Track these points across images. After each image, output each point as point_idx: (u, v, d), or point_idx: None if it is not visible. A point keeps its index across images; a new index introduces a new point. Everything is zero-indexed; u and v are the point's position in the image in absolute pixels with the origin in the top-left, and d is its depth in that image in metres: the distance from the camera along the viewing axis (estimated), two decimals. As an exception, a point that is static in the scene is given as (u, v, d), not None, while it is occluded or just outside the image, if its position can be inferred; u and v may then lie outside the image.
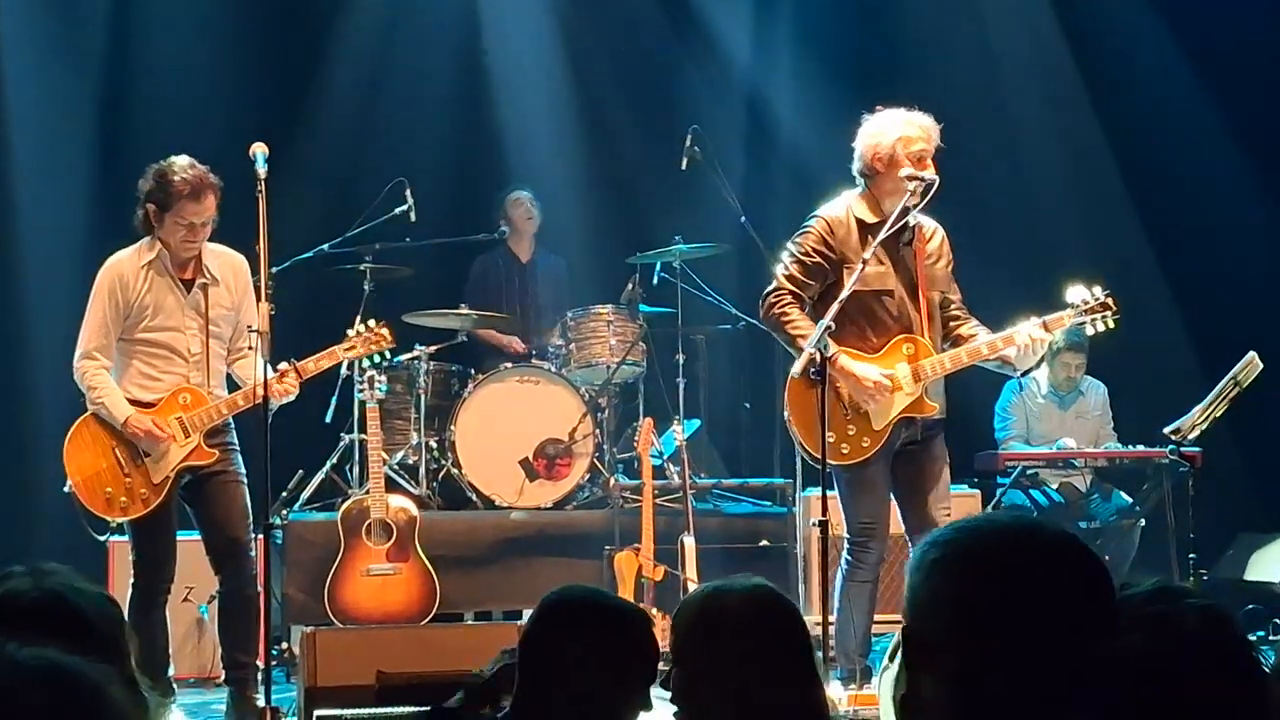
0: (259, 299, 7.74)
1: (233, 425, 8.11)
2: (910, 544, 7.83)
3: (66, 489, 7.96)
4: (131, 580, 7.90)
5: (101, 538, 8.16)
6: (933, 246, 7.86)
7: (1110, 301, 7.81)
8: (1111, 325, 7.85)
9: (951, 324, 7.87)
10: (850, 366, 7.56)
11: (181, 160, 7.89)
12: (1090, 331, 7.94)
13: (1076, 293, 7.82)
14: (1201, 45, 12.37)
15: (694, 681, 3.72)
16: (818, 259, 7.74)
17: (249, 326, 7.86)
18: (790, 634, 3.78)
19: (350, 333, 8.21)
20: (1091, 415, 11.29)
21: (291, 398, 7.89)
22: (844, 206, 7.81)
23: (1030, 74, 12.74)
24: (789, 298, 7.76)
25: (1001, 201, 12.22)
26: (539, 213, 12.03)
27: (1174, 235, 12.29)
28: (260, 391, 7.68)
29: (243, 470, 8.05)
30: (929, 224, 7.91)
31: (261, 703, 7.39)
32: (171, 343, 7.94)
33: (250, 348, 7.87)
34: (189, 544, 8.35)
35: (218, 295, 8.00)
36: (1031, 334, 7.62)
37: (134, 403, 7.90)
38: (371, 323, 8.28)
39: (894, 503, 7.92)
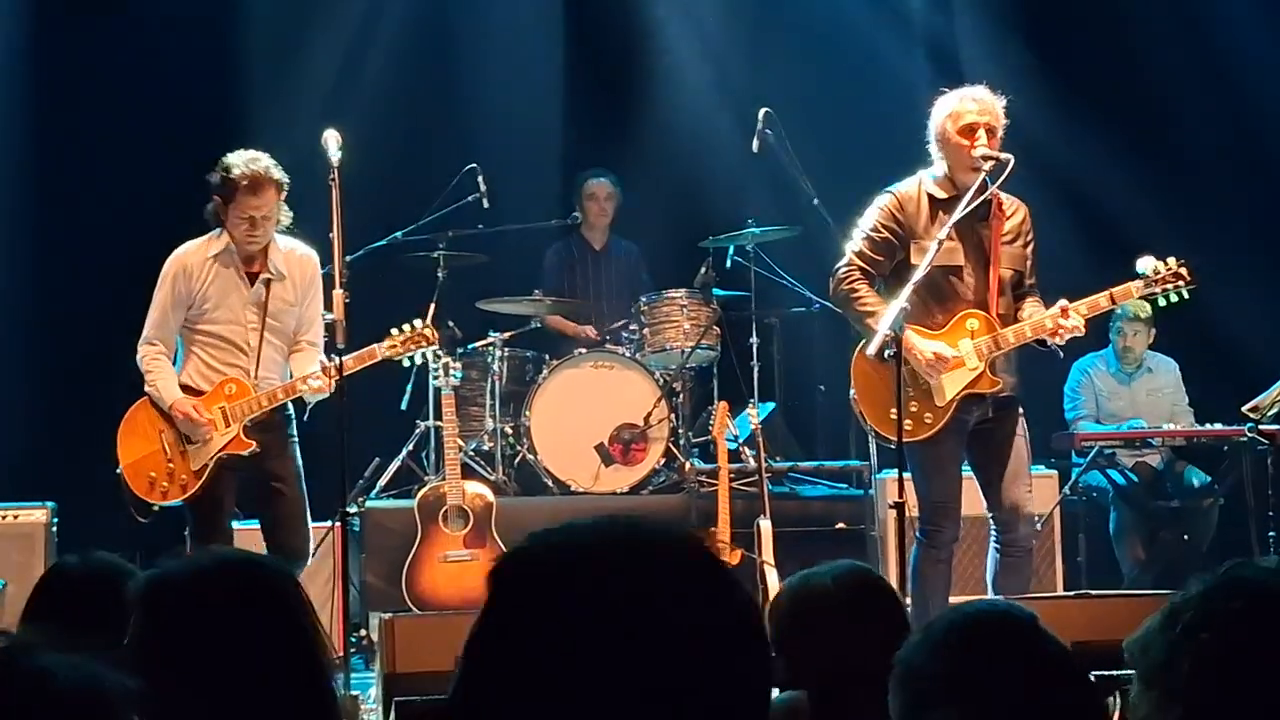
0: (334, 286, 7.78)
1: (291, 417, 8.22)
2: (992, 524, 7.78)
3: (118, 470, 8.12)
4: None
5: (144, 520, 8.22)
6: (1012, 224, 7.76)
7: (1184, 272, 7.60)
8: (1186, 296, 7.65)
9: (1018, 303, 7.77)
10: (912, 342, 7.50)
11: (245, 154, 7.99)
12: (1162, 303, 7.72)
13: (1146, 263, 7.63)
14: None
15: (794, 668, 3.77)
16: (887, 234, 7.71)
17: (323, 314, 7.92)
18: (883, 611, 3.81)
19: (394, 331, 8.19)
20: (1164, 392, 11.21)
21: (325, 395, 7.93)
22: (916, 183, 7.77)
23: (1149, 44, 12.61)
24: (858, 274, 7.73)
25: (1076, 174, 12.11)
26: (619, 195, 12.02)
27: (1254, 204, 12.15)
28: (300, 386, 7.91)
29: (298, 466, 8.15)
30: (1011, 201, 7.81)
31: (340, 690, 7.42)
32: (231, 336, 8.08)
33: (310, 343, 8.12)
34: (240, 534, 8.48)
35: (281, 290, 8.09)
36: (1064, 323, 7.50)
37: (191, 391, 8.04)
38: (417, 323, 8.24)
39: (973, 484, 7.88)
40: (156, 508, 8.08)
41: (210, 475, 7.98)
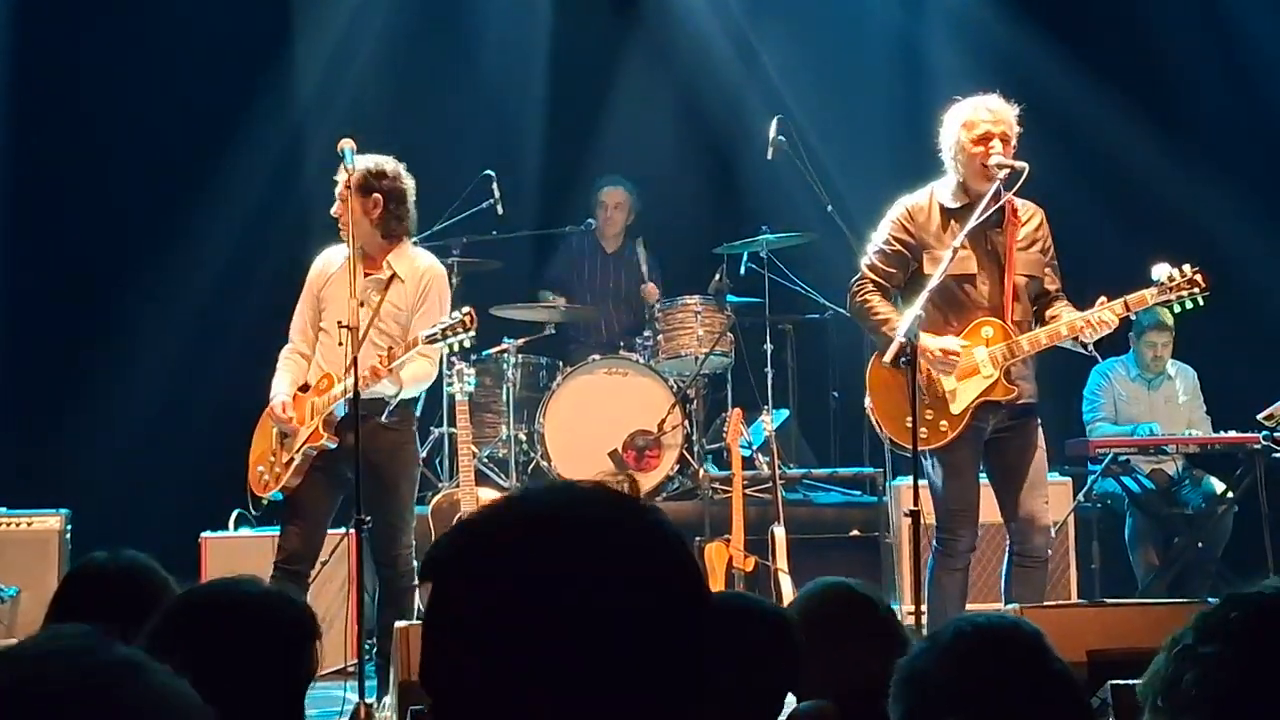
0: (351, 294, 7.63)
1: (401, 423, 8.07)
2: (1006, 532, 7.78)
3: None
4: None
5: (255, 514, 8.24)
6: (1027, 230, 7.74)
7: (1198, 278, 7.55)
8: (1200, 303, 7.61)
9: (1044, 309, 7.77)
10: (922, 342, 7.50)
11: None
12: (1177, 309, 7.73)
13: (1161, 270, 7.58)
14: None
15: (815, 679, 3.82)
16: (898, 246, 7.72)
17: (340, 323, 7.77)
18: (867, 627, 3.84)
19: (444, 319, 7.98)
20: (1181, 400, 11.19)
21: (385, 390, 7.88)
22: (927, 193, 7.78)
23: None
24: (870, 287, 7.76)
25: (1098, 172, 12.09)
26: (634, 202, 12.03)
27: (1268, 211, 12.13)
28: (342, 386, 7.83)
29: (395, 470, 8.01)
30: (1026, 207, 7.80)
31: (355, 697, 7.42)
32: (338, 335, 7.97)
33: (422, 353, 7.94)
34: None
35: (394, 293, 7.99)
36: (1103, 316, 7.50)
37: (310, 388, 8.09)
38: (465, 309, 7.96)
39: (989, 491, 7.87)
40: (265, 501, 8.14)
41: (296, 470, 7.99)
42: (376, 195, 7.96)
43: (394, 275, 8.00)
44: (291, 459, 8.00)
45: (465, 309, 7.89)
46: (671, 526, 1.88)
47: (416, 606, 8.09)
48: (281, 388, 8.12)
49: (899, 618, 3.95)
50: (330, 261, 8.20)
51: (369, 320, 7.83)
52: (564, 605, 1.76)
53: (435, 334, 7.84)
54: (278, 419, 8.04)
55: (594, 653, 1.76)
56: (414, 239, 9.93)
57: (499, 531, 1.84)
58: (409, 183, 8.14)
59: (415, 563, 8.10)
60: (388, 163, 8.08)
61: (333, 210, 8.02)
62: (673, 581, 1.84)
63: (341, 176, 7.96)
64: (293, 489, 8.03)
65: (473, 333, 8.01)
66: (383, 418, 7.95)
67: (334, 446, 7.93)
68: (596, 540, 1.82)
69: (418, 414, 10.61)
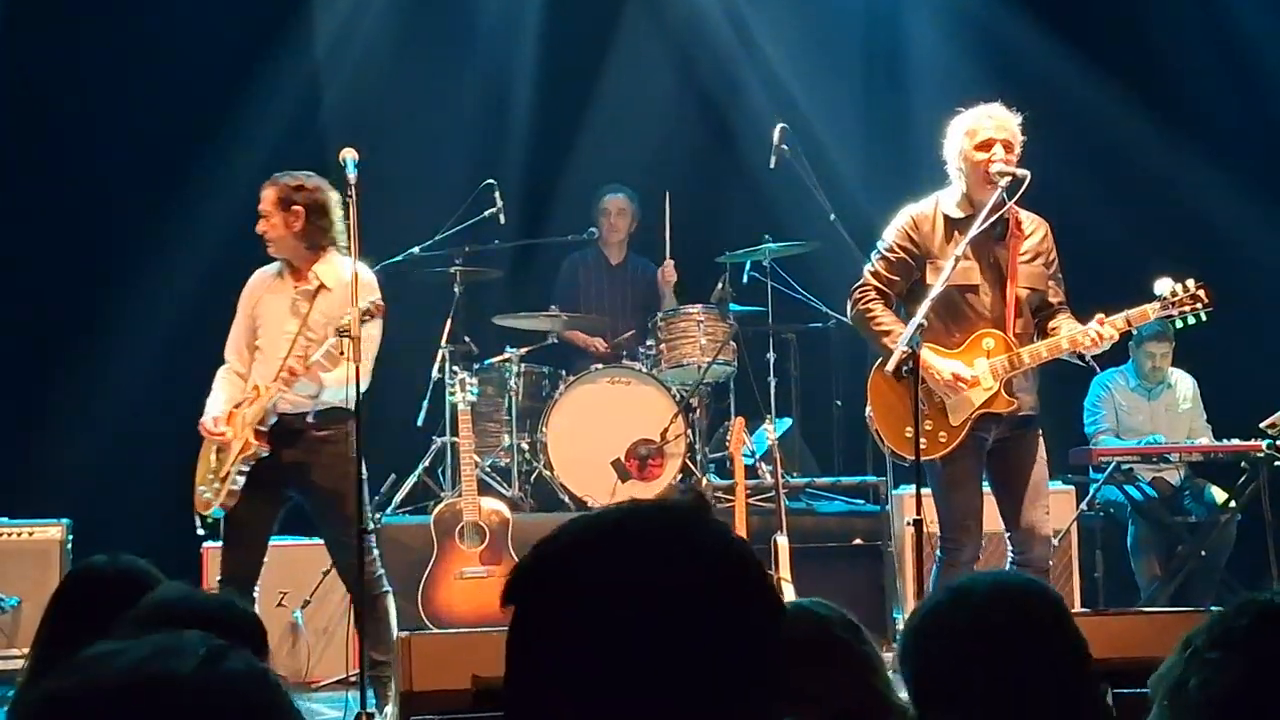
0: (351, 303, 7.64)
1: (334, 436, 7.96)
2: (1008, 542, 7.76)
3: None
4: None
5: (201, 532, 8.21)
6: (1031, 242, 7.72)
7: (1202, 294, 7.51)
8: (1204, 319, 7.57)
9: (1045, 321, 7.75)
10: (929, 360, 7.49)
11: None
12: (1179, 325, 7.69)
13: (1164, 285, 7.53)
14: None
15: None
16: (902, 254, 7.70)
17: (340, 331, 7.73)
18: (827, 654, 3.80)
19: (350, 310, 7.82)
20: (1182, 408, 11.18)
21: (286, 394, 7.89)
22: (932, 202, 7.76)
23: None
24: (873, 294, 7.73)
25: (1097, 182, 12.09)
26: (635, 211, 12.02)
27: (1271, 216, 12.12)
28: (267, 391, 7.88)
29: (335, 481, 7.87)
30: (1030, 219, 7.77)
31: (357, 707, 7.41)
32: (269, 348, 8.06)
33: (350, 360, 7.86)
34: (287, 549, 8.43)
35: (323, 303, 7.98)
36: (1102, 331, 7.47)
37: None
38: (374, 297, 7.91)
39: (993, 500, 7.85)
40: (210, 518, 8.04)
41: (236, 486, 7.94)
42: (297, 208, 8.04)
43: (321, 285, 8.03)
44: (228, 473, 7.95)
45: (373, 298, 7.87)
46: (734, 534, 1.93)
47: (392, 616, 8.02)
48: (215, 405, 8.10)
49: (864, 635, 3.86)
50: (259, 281, 8.27)
51: (297, 330, 7.92)
52: (641, 615, 1.79)
53: (345, 324, 7.75)
54: (209, 434, 8.01)
55: (674, 660, 1.78)
56: (418, 250, 10.00)
57: (574, 550, 1.89)
58: (330, 195, 8.13)
59: (382, 569, 8.05)
60: (307, 177, 8.16)
61: (257, 227, 8.11)
62: (747, 586, 1.87)
63: (268, 191, 8.14)
64: (231, 507, 7.97)
65: (380, 320, 7.96)
66: (310, 418, 7.95)
67: (266, 454, 7.92)
68: (667, 551, 1.85)
69: (419, 424, 10.67)
